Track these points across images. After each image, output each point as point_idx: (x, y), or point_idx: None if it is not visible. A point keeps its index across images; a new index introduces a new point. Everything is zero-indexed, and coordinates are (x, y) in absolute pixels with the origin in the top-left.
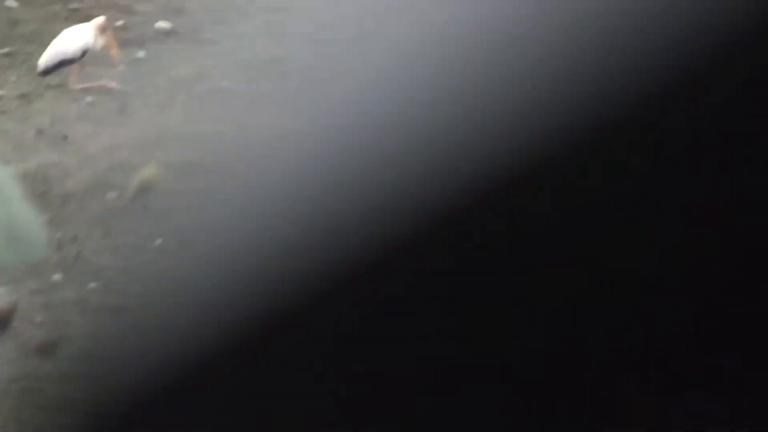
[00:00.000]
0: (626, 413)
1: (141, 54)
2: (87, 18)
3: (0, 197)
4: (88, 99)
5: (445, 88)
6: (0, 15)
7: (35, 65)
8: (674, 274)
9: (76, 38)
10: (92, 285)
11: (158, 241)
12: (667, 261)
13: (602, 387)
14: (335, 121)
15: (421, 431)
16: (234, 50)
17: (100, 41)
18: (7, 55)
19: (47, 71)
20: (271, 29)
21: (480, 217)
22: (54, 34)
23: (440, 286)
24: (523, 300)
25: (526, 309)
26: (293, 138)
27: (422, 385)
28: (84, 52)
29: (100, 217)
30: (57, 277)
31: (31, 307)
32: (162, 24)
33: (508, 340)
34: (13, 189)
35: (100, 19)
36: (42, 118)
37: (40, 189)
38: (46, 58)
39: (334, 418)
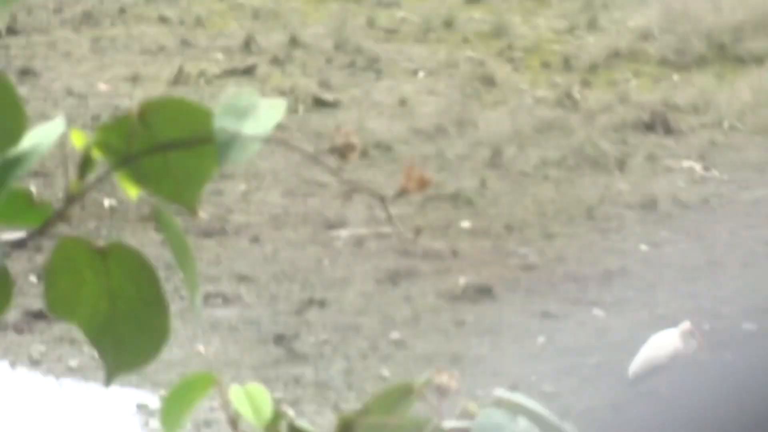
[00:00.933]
0: None
1: (728, 355)
2: (673, 323)
3: None
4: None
5: None
6: (587, 324)
7: (624, 373)
8: None
9: (664, 344)
10: None
11: None
12: None
13: None
14: None
15: None
16: None
17: (690, 345)
18: (596, 365)
19: (638, 378)
20: None
21: None
22: (641, 341)
23: None
24: None
25: None
26: None
27: None
28: (674, 357)
29: None
30: None
31: None
32: (747, 325)
33: None
34: None
35: (686, 324)
36: None
37: None
38: (636, 365)
39: None
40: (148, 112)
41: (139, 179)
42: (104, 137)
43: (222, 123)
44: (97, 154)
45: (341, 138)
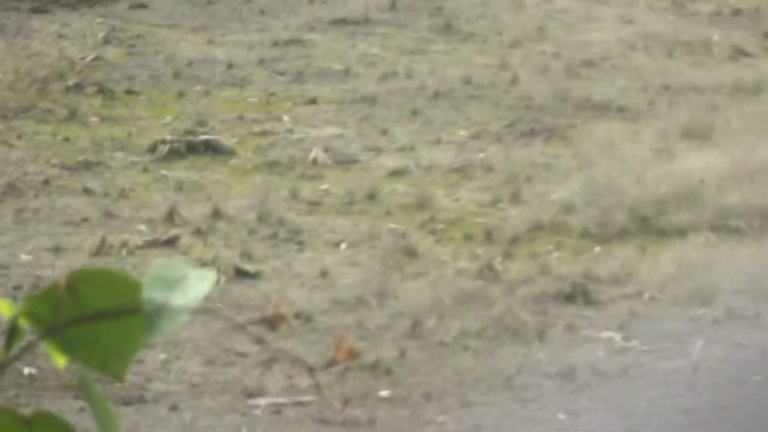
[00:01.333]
0: None
1: None
2: None
3: None
4: None
5: None
6: None
7: None
8: None
9: None
10: None
11: None
12: None
13: None
14: None
15: None
16: None
17: None
18: None
19: None
20: None
21: None
22: None
23: None
24: None
25: None
26: None
27: None
28: None
29: None
30: None
31: None
32: None
33: None
34: None
35: None
36: None
37: None
38: None
39: None
40: (76, 282)
41: (67, 349)
42: (32, 307)
43: (151, 294)
44: (24, 324)
45: (271, 308)
